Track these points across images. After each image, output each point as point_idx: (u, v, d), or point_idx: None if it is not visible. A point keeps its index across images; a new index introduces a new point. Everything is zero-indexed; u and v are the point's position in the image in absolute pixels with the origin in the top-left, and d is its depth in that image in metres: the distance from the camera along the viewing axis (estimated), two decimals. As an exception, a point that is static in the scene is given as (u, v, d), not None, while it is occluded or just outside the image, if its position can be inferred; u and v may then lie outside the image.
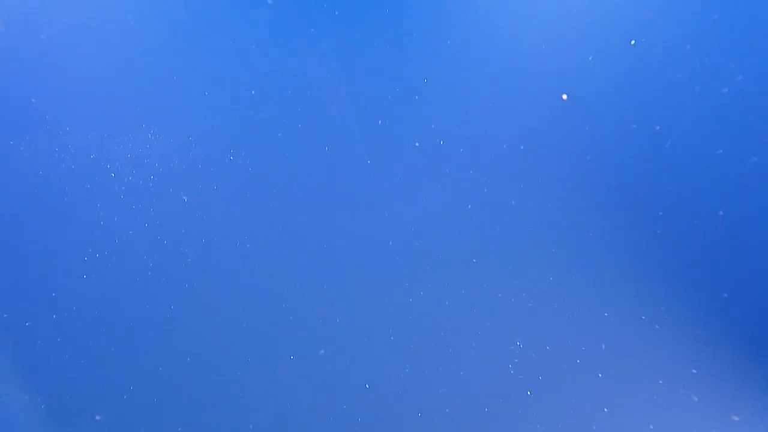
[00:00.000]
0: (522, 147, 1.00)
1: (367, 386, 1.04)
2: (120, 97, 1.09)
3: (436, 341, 1.03)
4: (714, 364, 0.93)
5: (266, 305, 1.07)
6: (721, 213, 0.92)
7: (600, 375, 0.99)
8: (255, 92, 1.07)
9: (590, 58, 0.95)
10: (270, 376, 1.07)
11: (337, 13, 1.04)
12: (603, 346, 0.98)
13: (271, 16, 1.07)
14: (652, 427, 0.95)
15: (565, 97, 0.84)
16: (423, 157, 1.03)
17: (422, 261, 1.04)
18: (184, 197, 1.06)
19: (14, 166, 1.10)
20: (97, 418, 1.07)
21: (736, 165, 0.91)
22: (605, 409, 0.97)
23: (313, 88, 1.06)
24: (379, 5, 1.04)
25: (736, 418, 0.92)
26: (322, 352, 1.05)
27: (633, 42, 0.90)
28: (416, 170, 1.04)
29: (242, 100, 1.08)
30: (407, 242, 1.04)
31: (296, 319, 1.07)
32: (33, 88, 1.10)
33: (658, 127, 0.94)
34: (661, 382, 0.95)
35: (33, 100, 1.10)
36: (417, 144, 1.02)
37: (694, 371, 0.94)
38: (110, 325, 1.08)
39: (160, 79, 1.08)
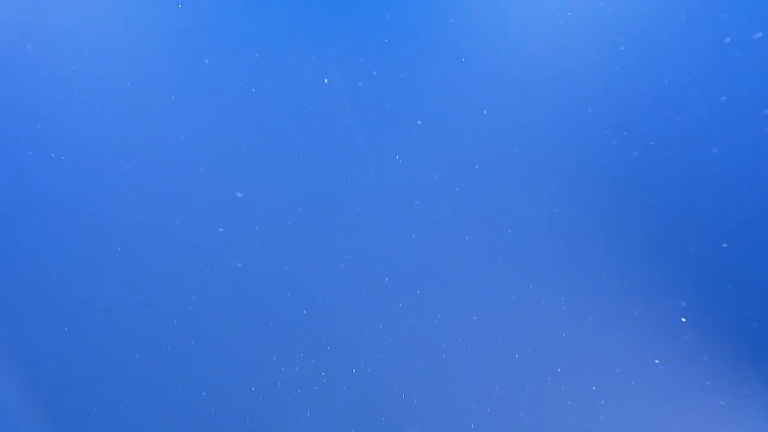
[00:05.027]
0: (522, 148, 1.00)
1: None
2: (121, 99, 1.10)
3: (442, 344, 1.04)
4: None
5: (267, 305, 1.08)
6: (720, 214, 0.93)
7: (597, 381, 0.99)
8: (256, 95, 1.07)
9: (593, 60, 0.96)
10: (269, 376, 1.07)
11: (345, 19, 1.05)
12: (600, 346, 0.98)
13: (272, 18, 1.07)
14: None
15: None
16: (423, 157, 1.04)
17: (422, 262, 1.05)
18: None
19: (15, 167, 1.10)
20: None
21: (735, 166, 0.92)
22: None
23: (314, 90, 1.06)
24: (380, 8, 1.04)
25: (722, 403, 0.93)
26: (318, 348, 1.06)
27: (622, 48, 0.91)
28: (416, 171, 1.04)
29: (243, 101, 1.08)
30: (407, 244, 1.05)
31: (299, 323, 1.07)
32: (33, 90, 1.10)
33: (656, 129, 0.95)
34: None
35: (34, 102, 1.10)
36: (419, 122, 1.02)
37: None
38: (110, 325, 1.08)
39: (167, 82, 1.09)
